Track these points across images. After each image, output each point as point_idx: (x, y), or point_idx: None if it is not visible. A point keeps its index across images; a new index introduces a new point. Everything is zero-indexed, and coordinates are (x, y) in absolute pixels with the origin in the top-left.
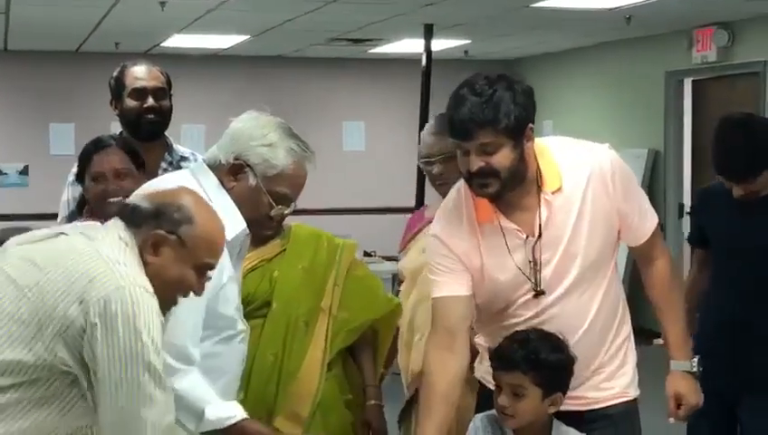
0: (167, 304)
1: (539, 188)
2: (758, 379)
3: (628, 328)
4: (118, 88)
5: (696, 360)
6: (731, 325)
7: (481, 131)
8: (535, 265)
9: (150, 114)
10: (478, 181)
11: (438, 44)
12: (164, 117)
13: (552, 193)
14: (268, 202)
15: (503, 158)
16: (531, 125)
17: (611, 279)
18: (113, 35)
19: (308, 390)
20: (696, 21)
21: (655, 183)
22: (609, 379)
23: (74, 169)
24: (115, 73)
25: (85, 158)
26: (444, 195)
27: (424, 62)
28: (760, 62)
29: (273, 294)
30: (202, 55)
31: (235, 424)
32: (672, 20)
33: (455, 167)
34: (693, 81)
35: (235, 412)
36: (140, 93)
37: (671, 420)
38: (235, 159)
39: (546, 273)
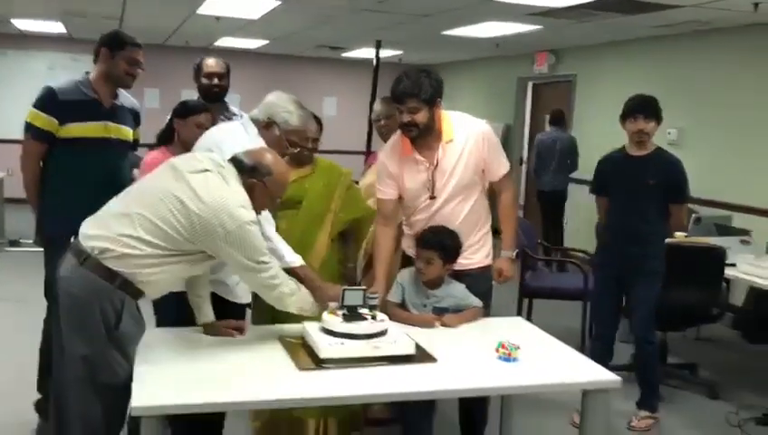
0: (257, 214)
1: (439, 138)
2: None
3: (487, 227)
4: (197, 72)
5: (516, 251)
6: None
7: (409, 99)
8: (433, 182)
9: (216, 89)
10: (406, 128)
11: (384, 53)
12: (223, 90)
13: (446, 142)
14: (285, 145)
15: (421, 116)
16: (439, 99)
17: (478, 198)
18: (185, 36)
19: (319, 253)
20: (536, 48)
21: (506, 144)
22: (473, 254)
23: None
24: (196, 61)
25: (180, 115)
26: (384, 139)
27: (375, 62)
28: (572, 74)
29: (304, 196)
30: (239, 51)
31: (299, 266)
32: (522, 46)
33: (392, 122)
34: (533, 84)
35: (298, 259)
36: (210, 76)
37: (493, 282)
38: (268, 118)
39: (438, 187)
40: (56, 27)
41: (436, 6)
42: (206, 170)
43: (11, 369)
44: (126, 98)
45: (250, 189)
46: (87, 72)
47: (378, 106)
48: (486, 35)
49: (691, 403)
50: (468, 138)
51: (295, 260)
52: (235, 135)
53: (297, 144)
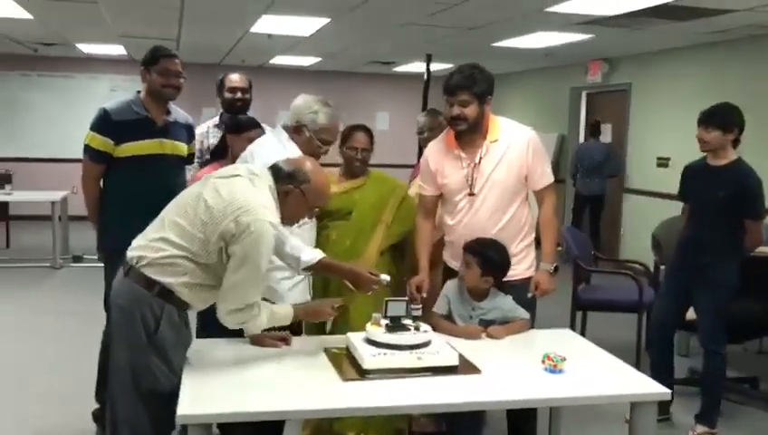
0: (291, 223)
1: (484, 137)
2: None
3: (530, 238)
4: (221, 86)
5: (555, 265)
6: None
7: (461, 92)
8: (473, 179)
9: (239, 103)
10: (455, 121)
11: (434, 66)
12: (246, 104)
13: (491, 142)
14: (317, 145)
15: (470, 110)
16: (489, 97)
17: (520, 205)
18: (241, 55)
19: (367, 264)
20: (589, 56)
21: (560, 154)
22: (515, 265)
23: (207, 129)
24: (219, 77)
25: (233, 131)
26: None
27: (425, 76)
28: (627, 83)
29: (354, 207)
30: (293, 68)
31: (319, 261)
32: (574, 56)
33: (435, 135)
34: (587, 93)
35: (317, 254)
36: (233, 90)
37: (529, 294)
38: (296, 122)
39: (477, 185)
40: (117, 50)
41: (484, 19)
42: (237, 175)
43: (72, 379)
44: (178, 113)
45: (286, 195)
46: (138, 92)
47: (421, 118)
48: (537, 46)
49: (752, 419)
50: (513, 141)
51: (315, 256)
52: (267, 144)
53: (329, 141)
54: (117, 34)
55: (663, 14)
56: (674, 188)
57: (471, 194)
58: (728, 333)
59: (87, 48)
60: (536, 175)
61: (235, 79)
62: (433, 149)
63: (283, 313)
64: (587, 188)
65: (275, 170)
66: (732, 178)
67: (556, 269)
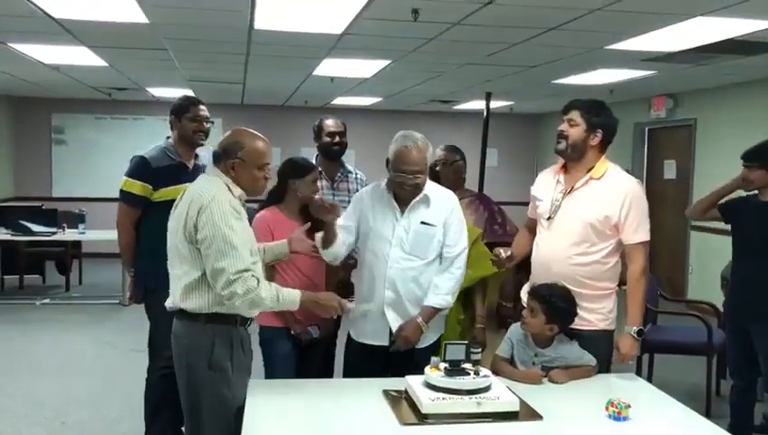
0: (256, 190)
1: (587, 173)
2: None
3: (607, 286)
4: (318, 132)
5: (636, 328)
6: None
7: (572, 111)
8: (559, 204)
9: (337, 147)
10: (558, 138)
11: (494, 104)
12: (343, 148)
13: (592, 178)
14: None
15: (574, 132)
16: (600, 131)
17: (609, 253)
18: (303, 97)
19: None
20: (653, 92)
21: None
22: (586, 313)
23: None
24: (317, 122)
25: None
26: (443, 184)
27: (485, 114)
28: (692, 118)
29: None
30: (354, 108)
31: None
32: (638, 91)
33: (444, 170)
34: (649, 129)
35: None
36: (332, 135)
37: (614, 360)
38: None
39: (560, 212)
40: (185, 93)
41: (544, 57)
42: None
43: (139, 411)
44: (200, 158)
45: (233, 170)
46: (168, 137)
47: (438, 151)
48: (599, 82)
49: None
50: (613, 186)
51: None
52: None
53: (401, 171)
54: (185, 79)
55: (727, 49)
56: None
57: (549, 218)
58: None
59: (156, 92)
60: (627, 229)
61: (331, 124)
62: (541, 175)
63: (288, 297)
64: None
65: (214, 157)
66: None
67: (640, 333)
